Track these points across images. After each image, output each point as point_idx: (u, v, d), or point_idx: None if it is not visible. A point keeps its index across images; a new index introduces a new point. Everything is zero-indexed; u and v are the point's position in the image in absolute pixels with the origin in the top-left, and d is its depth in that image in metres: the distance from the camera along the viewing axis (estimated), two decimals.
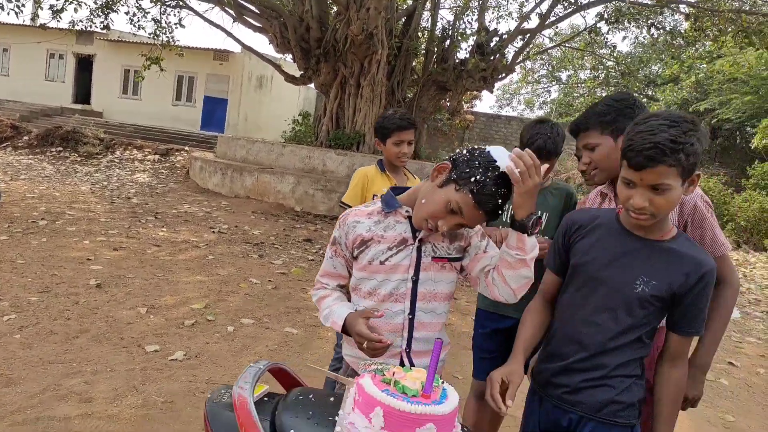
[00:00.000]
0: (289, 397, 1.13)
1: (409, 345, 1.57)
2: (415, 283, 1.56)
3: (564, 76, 27.85)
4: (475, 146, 1.50)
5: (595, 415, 1.50)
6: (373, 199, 2.39)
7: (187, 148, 15.27)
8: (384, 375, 1.10)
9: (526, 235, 1.44)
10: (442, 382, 1.13)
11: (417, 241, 1.55)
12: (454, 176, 1.45)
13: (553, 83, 29.31)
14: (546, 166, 1.36)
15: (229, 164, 11.12)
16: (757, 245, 12.05)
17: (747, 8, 11.80)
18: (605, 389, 1.49)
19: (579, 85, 25.85)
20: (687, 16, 11.87)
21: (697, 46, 16.08)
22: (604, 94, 26.31)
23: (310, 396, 1.15)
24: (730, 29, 11.02)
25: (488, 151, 1.44)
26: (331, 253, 1.66)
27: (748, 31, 10.57)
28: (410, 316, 1.56)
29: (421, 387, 1.06)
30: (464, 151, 1.48)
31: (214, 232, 7.52)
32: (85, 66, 21.71)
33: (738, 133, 18.11)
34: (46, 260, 5.28)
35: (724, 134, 18.08)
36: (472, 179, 1.41)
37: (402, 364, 1.55)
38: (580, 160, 1.90)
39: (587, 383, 1.50)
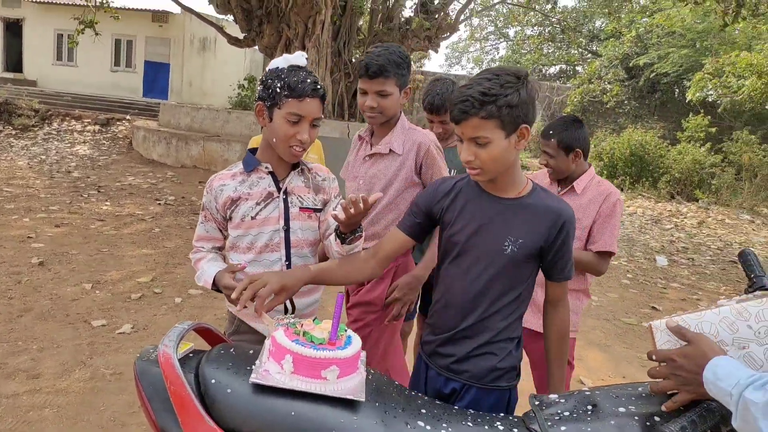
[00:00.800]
0: (212, 352, 1.26)
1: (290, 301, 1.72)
2: (287, 232, 1.71)
3: (512, 32, 28.04)
4: (260, 77, 1.66)
5: (477, 382, 1.54)
6: None
7: (129, 116, 14.77)
8: (296, 327, 1.24)
9: (344, 243, 1.56)
10: (346, 331, 1.28)
11: (282, 193, 1.70)
12: (269, 104, 1.61)
13: (501, 40, 29.48)
14: (378, 194, 1.48)
15: (173, 133, 10.89)
16: (689, 196, 12.75)
17: None
18: (488, 357, 1.53)
19: (525, 41, 26.06)
20: None
21: (635, 0, 16.43)
22: (551, 50, 26.71)
23: (231, 350, 1.28)
24: None
25: (269, 69, 1.64)
26: (203, 218, 1.76)
27: None
28: (287, 263, 1.72)
29: (327, 336, 1.21)
30: (258, 87, 1.65)
31: (160, 203, 7.45)
32: (14, 31, 20.45)
33: (676, 87, 18.77)
34: None
35: (662, 88, 18.70)
36: (278, 89, 1.58)
37: (285, 309, 1.71)
38: (366, 101, 2.02)
39: (474, 351, 1.53)
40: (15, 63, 20.54)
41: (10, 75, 19.70)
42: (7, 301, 3.87)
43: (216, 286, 1.64)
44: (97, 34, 11.43)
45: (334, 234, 1.58)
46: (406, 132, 2.08)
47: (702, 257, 7.83)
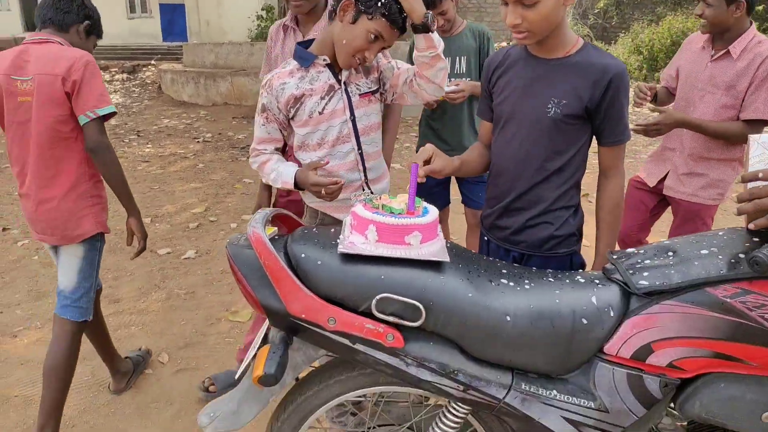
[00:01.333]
0: (296, 233, 1.31)
1: (365, 175, 1.79)
2: (353, 121, 1.72)
3: None
4: None
5: (536, 251, 1.57)
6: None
7: (153, 61, 14.75)
8: (373, 202, 1.27)
9: (430, 33, 1.53)
10: (422, 201, 1.31)
11: (342, 84, 1.69)
12: (362, 8, 1.54)
13: None
14: None
15: (200, 72, 10.84)
16: None
17: None
18: (545, 226, 1.54)
19: None
20: None
21: None
22: None
23: (314, 230, 1.34)
24: None
25: None
26: (263, 121, 1.73)
27: None
28: (359, 151, 1.76)
29: (405, 207, 1.24)
30: None
31: (199, 141, 7.55)
32: None
33: None
34: None
35: None
36: (378, 4, 1.52)
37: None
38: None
39: (529, 222, 1.55)
40: (33, 22, 20.47)
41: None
42: None
43: (297, 186, 1.68)
44: None
45: (418, 41, 1.55)
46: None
47: None
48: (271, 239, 1.29)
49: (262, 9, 14.69)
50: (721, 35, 2.21)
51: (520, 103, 1.49)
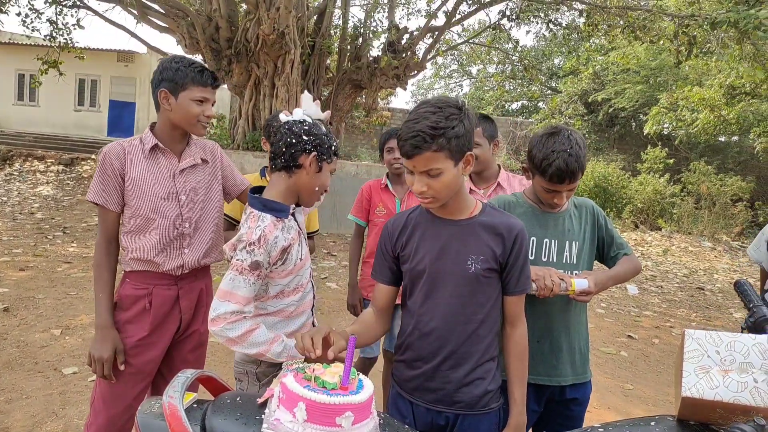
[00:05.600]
0: (218, 402, 1.20)
1: (312, 310, 1.84)
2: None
3: (474, 70, 28.85)
4: (291, 124, 1.67)
5: (472, 409, 1.55)
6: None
7: (93, 156, 14.47)
8: (305, 372, 1.20)
9: None
10: (358, 374, 1.25)
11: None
12: (325, 157, 1.69)
13: (465, 78, 30.28)
14: None
15: None
16: (652, 225, 13.13)
17: (633, 4, 12.70)
18: (478, 382, 1.54)
19: (488, 79, 26.81)
20: (581, 13, 12.64)
21: (591, 40, 17.16)
22: (513, 87, 27.48)
23: (238, 399, 1.23)
24: (618, 25, 11.93)
25: (309, 121, 1.69)
26: (254, 279, 1.57)
27: (634, 26, 11.47)
28: (312, 287, 1.84)
29: (339, 380, 1.18)
30: (304, 137, 1.65)
31: None
32: None
33: (633, 120, 19.48)
34: None
35: (620, 122, 19.35)
36: (330, 148, 1.70)
37: None
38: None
39: (464, 380, 1.54)
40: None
41: None
42: None
43: None
44: (61, 74, 11.27)
45: None
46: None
47: (670, 284, 8.02)
48: (189, 407, 1.18)
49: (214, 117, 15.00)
50: (480, 176, 2.69)
51: (440, 262, 1.55)
